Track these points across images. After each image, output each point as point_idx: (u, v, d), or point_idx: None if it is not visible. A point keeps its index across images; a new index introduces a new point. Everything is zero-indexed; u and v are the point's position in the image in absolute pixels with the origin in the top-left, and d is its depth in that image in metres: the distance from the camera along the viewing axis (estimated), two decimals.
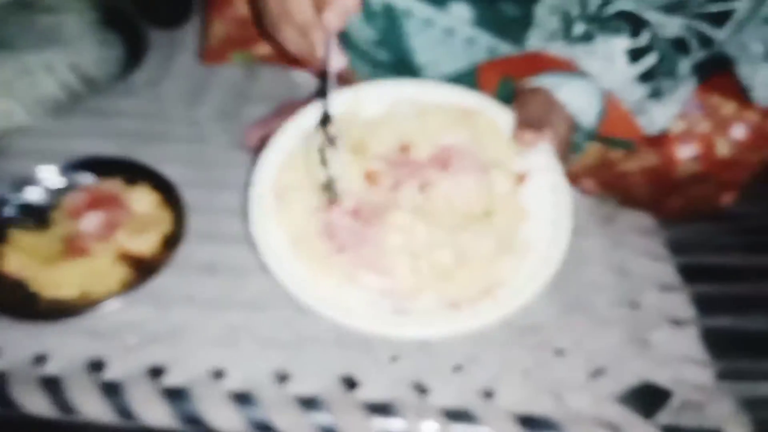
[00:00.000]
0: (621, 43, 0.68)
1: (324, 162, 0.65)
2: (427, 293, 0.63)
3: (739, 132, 0.73)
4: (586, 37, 0.69)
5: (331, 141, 0.65)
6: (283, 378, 0.67)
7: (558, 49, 0.70)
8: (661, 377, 0.69)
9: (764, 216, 0.86)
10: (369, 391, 0.66)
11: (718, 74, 0.74)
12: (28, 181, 0.82)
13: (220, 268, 0.77)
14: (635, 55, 0.68)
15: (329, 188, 0.66)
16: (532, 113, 0.67)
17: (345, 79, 0.82)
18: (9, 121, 0.89)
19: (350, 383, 0.67)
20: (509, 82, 0.72)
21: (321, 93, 0.68)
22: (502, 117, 0.70)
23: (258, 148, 0.86)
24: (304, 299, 0.60)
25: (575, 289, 0.76)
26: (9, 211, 0.79)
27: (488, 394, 0.67)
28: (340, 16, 0.63)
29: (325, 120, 0.66)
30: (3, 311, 0.70)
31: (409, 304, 0.62)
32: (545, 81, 0.68)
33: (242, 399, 0.65)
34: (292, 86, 0.99)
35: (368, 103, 0.72)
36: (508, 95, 0.72)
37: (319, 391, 0.66)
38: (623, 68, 0.68)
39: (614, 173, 0.76)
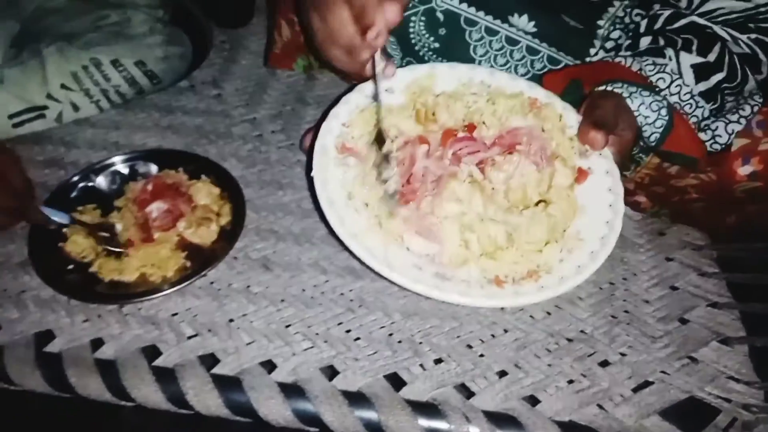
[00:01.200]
0: (689, 59, 0.68)
1: (380, 177, 0.67)
2: (471, 266, 0.64)
3: None
4: (655, 52, 0.69)
5: (386, 158, 0.67)
6: (331, 373, 0.69)
7: (627, 62, 0.70)
8: (707, 394, 0.68)
9: None
10: (415, 391, 0.68)
11: None
12: (94, 169, 0.85)
13: (275, 264, 0.79)
14: (703, 71, 0.68)
15: (388, 200, 0.67)
16: (601, 114, 0.67)
17: None
18: (77, 112, 0.93)
19: (397, 383, 0.69)
20: (577, 85, 0.73)
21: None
22: (568, 114, 0.70)
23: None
24: (353, 246, 0.62)
25: (624, 301, 0.76)
26: (75, 197, 0.83)
27: (532, 401, 0.67)
28: (383, 34, 0.64)
29: (380, 139, 0.68)
30: (64, 291, 0.73)
31: (451, 273, 0.63)
32: (618, 87, 0.68)
33: (291, 391, 0.67)
34: (347, 91, 1.01)
35: (442, 79, 0.74)
36: (575, 98, 0.72)
37: (367, 388, 0.67)
38: (691, 84, 0.68)
39: (670, 188, 0.76)
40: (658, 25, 0.73)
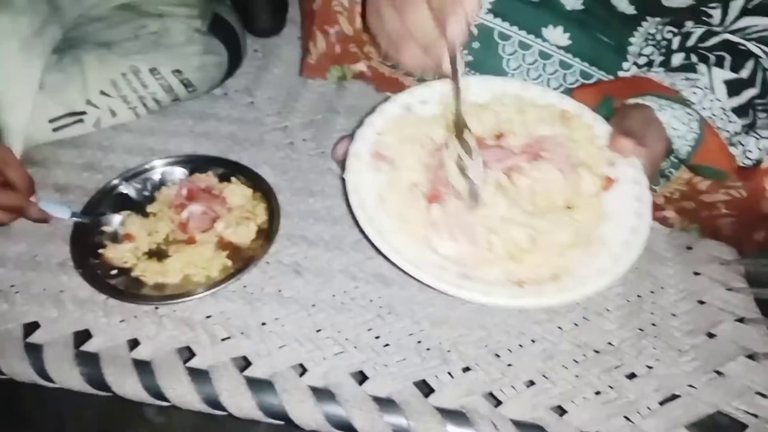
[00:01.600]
0: (722, 75, 0.68)
1: (463, 171, 0.67)
2: (495, 268, 0.64)
3: None
4: (688, 68, 0.70)
5: (468, 151, 0.67)
6: (361, 378, 0.70)
7: (659, 76, 0.70)
8: (735, 409, 0.69)
9: None
10: (443, 399, 0.69)
11: None
12: (131, 174, 0.88)
13: (306, 269, 0.80)
14: (735, 87, 0.68)
15: (471, 196, 0.67)
16: (631, 125, 0.67)
17: None
18: (115, 118, 0.96)
19: (425, 389, 0.70)
20: (610, 101, 0.73)
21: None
22: (598, 125, 0.71)
23: (345, 160, 0.90)
24: (380, 244, 0.63)
25: (651, 314, 0.77)
26: (112, 202, 0.85)
27: (560, 411, 0.68)
28: (464, 28, 0.63)
29: (461, 130, 0.68)
30: (105, 291, 0.75)
31: (475, 274, 0.64)
32: (649, 100, 0.69)
33: (322, 395, 0.68)
34: (378, 102, 1.03)
35: (476, 91, 0.75)
36: (608, 114, 0.73)
37: (396, 394, 0.69)
38: (723, 99, 0.68)
39: (699, 203, 0.77)
40: (690, 43, 0.73)
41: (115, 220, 0.83)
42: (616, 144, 0.67)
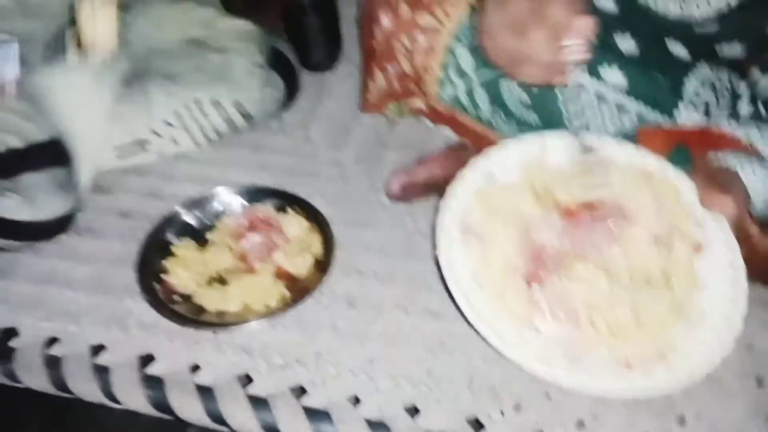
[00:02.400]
0: None
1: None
2: (600, 348, 0.65)
3: None
4: (757, 117, 0.70)
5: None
6: (414, 412, 0.72)
7: (731, 126, 0.71)
8: None
9: None
10: None
11: None
12: (192, 203, 0.91)
13: (359, 301, 0.83)
14: None
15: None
16: (716, 180, 0.68)
17: (486, 139, 0.87)
18: (177, 147, 0.99)
19: (476, 425, 0.71)
20: (684, 151, 0.74)
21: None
22: (682, 182, 0.72)
23: (399, 194, 0.93)
24: (487, 334, 0.64)
25: None
26: (173, 230, 0.88)
27: None
28: (581, 47, 0.67)
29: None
30: (167, 316, 0.78)
31: (581, 355, 0.64)
32: (727, 158, 0.69)
33: (377, 427, 0.70)
34: (428, 138, 1.05)
35: (554, 151, 0.76)
36: (683, 164, 0.74)
37: (449, 429, 0.70)
38: None
39: (750, 250, 0.78)
40: (762, 93, 0.74)
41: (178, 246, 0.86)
42: (712, 201, 0.67)
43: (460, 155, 0.86)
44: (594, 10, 0.80)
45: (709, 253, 0.67)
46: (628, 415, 0.72)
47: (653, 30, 0.81)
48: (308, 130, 1.08)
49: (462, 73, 0.84)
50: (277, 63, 1.06)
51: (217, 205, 0.91)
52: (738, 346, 0.78)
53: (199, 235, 0.88)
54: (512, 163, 0.76)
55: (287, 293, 0.81)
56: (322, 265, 0.84)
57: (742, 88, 0.77)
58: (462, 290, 0.67)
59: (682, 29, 0.81)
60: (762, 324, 0.81)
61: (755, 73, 0.78)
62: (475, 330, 0.65)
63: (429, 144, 1.03)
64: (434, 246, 0.71)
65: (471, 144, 0.92)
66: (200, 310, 0.79)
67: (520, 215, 0.73)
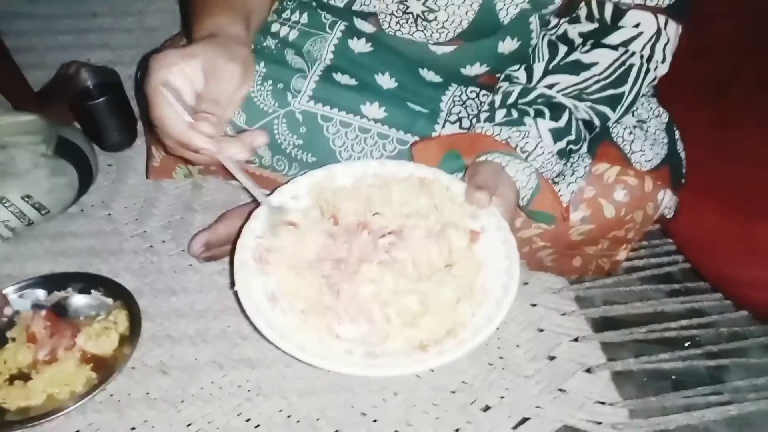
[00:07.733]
0: (546, 124, 0.77)
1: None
2: (396, 338, 0.68)
3: (620, 195, 0.82)
4: (516, 122, 0.78)
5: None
6: None
7: (494, 130, 0.78)
8: (579, 420, 0.76)
9: (653, 267, 0.96)
10: None
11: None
12: None
13: (172, 367, 0.83)
14: (557, 134, 0.77)
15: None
16: (484, 179, 0.74)
17: (276, 182, 0.90)
18: None
19: None
20: (455, 155, 0.81)
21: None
22: (454, 184, 0.78)
23: (203, 254, 0.94)
24: (290, 350, 0.65)
25: (498, 348, 0.84)
26: None
27: None
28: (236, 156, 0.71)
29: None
30: None
31: (380, 349, 0.67)
32: (496, 157, 0.76)
33: None
34: (233, 194, 1.08)
35: (340, 177, 0.81)
36: (454, 168, 0.81)
37: None
38: (550, 145, 0.77)
39: (519, 240, 0.85)
40: (511, 100, 0.82)
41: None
42: (472, 198, 0.74)
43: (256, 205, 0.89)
44: (353, 56, 0.87)
45: (485, 238, 0.74)
46: (438, 415, 0.77)
47: (406, 63, 0.89)
48: (110, 209, 1.07)
49: (236, 127, 0.88)
50: (65, 150, 1.05)
51: (12, 304, 0.88)
52: (529, 331, 0.86)
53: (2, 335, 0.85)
54: (302, 192, 0.80)
55: (93, 375, 0.79)
56: (132, 337, 0.83)
57: (498, 98, 0.85)
58: (263, 317, 0.69)
59: (431, 58, 0.89)
60: (547, 308, 0.89)
61: (504, 84, 0.86)
62: (283, 351, 0.67)
63: (236, 201, 1.06)
64: (232, 283, 0.73)
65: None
66: (2, 411, 0.76)
67: (311, 234, 0.77)
